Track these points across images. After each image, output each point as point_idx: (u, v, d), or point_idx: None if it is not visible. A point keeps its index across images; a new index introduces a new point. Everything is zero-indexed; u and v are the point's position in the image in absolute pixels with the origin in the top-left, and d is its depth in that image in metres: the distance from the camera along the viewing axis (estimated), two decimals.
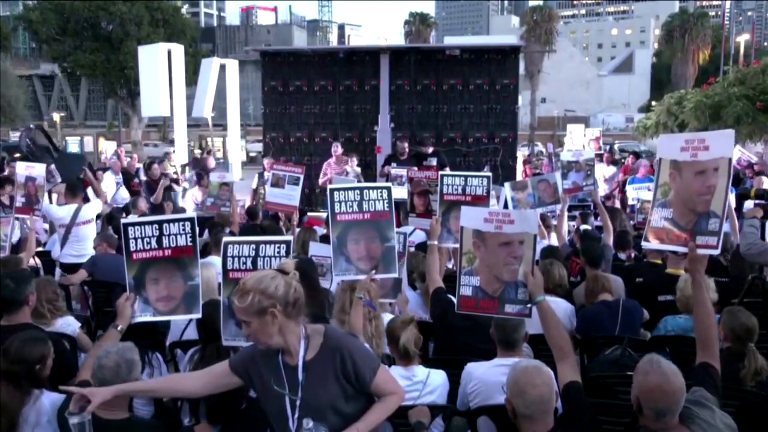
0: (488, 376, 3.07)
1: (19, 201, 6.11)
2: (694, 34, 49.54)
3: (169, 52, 17.12)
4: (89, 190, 7.58)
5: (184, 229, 3.08)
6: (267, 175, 9.55)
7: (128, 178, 10.93)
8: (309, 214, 9.91)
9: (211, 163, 12.16)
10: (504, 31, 68.05)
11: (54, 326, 3.85)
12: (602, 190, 10.74)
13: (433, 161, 8.95)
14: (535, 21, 44.28)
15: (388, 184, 3.81)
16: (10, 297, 3.46)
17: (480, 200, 4.40)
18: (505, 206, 6.95)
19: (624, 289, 4.72)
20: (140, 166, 12.14)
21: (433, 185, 5.56)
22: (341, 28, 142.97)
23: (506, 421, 2.46)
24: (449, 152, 10.60)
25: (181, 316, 3.20)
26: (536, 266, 2.84)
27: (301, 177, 7.03)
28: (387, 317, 3.76)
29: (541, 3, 65.05)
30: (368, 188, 3.44)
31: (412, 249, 5.13)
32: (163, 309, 3.09)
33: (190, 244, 3.09)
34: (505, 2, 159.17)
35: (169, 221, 3.11)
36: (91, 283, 5.60)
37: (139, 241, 3.07)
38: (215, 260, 4.32)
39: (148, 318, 3.09)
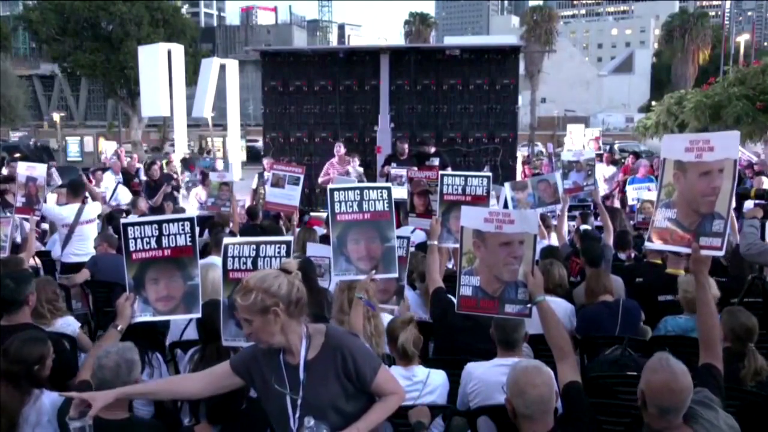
0: (488, 376, 3.08)
1: (20, 201, 6.11)
2: (694, 34, 49.54)
3: (169, 52, 17.15)
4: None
5: (183, 229, 3.09)
6: (267, 175, 9.55)
7: (128, 178, 10.94)
8: (311, 214, 9.91)
9: (219, 165, 12.09)
10: (504, 31, 68.06)
11: (54, 326, 3.85)
12: (602, 190, 10.74)
13: (436, 161, 8.95)
14: (535, 21, 44.27)
15: (389, 184, 3.81)
16: (10, 297, 3.46)
17: (480, 200, 4.40)
18: (505, 206, 6.94)
19: (624, 289, 4.72)
20: (140, 166, 12.15)
21: (433, 185, 5.56)
22: (341, 28, 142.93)
23: (506, 421, 2.47)
24: (449, 152, 10.59)
25: (181, 316, 3.21)
26: (536, 266, 2.84)
27: (301, 177, 7.03)
28: (387, 317, 3.77)
29: (541, 3, 65.05)
30: (368, 188, 3.44)
31: (413, 249, 5.12)
32: (163, 309, 3.09)
33: (189, 244, 3.09)
34: (505, 2, 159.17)
35: (168, 221, 3.11)
36: (91, 283, 5.60)
37: (139, 241, 3.07)
38: (217, 261, 4.32)
39: (147, 318, 3.09)
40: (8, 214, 6.14)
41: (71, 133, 37.18)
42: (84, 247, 6.33)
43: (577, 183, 7.13)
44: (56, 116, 39.35)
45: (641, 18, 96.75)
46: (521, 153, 16.65)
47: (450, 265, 4.89)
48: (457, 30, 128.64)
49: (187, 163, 12.49)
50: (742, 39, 40.92)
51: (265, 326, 2.18)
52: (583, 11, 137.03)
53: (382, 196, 3.40)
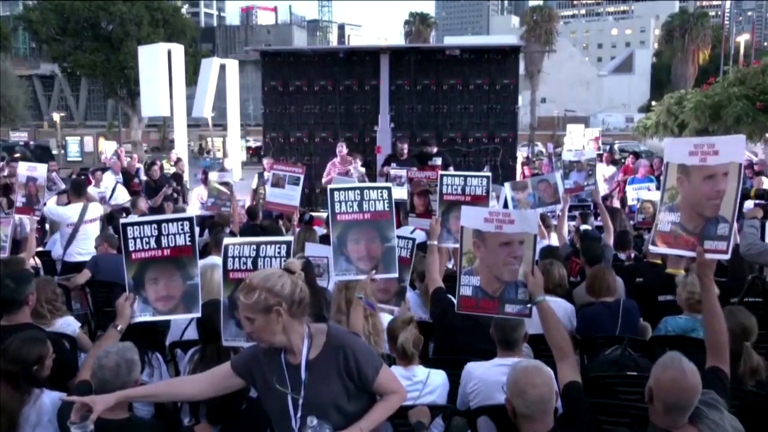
0: (488, 376, 3.07)
1: (20, 201, 6.12)
2: (694, 34, 49.55)
3: (169, 52, 17.16)
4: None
5: (183, 229, 3.08)
6: (267, 175, 9.55)
7: (128, 178, 10.94)
8: (311, 214, 9.92)
9: (228, 164, 12.07)
10: (504, 31, 68.08)
11: (54, 326, 3.85)
12: (602, 190, 10.74)
13: (438, 161, 8.95)
14: (535, 21, 44.30)
15: (389, 184, 3.80)
16: (10, 297, 3.46)
17: (480, 200, 4.39)
18: (505, 206, 6.94)
19: (624, 289, 4.72)
20: (140, 166, 12.15)
21: (433, 185, 5.56)
22: (341, 28, 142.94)
23: (506, 421, 2.47)
24: (449, 152, 10.60)
25: (181, 316, 3.20)
26: (536, 266, 2.84)
27: (302, 177, 7.02)
28: (387, 317, 3.76)
29: (541, 3, 65.06)
30: (368, 188, 3.44)
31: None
32: (163, 309, 3.09)
33: (189, 243, 3.09)
34: (505, 2, 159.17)
35: (168, 221, 3.11)
36: (91, 283, 5.61)
37: (138, 240, 3.07)
38: (217, 261, 4.32)
39: (147, 318, 3.09)
40: (8, 214, 6.15)
41: (71, 133, 37.24)
42: (87, 246, 6.35)
43: (578, 183, 7.14)
44: (56, 116, 39.38)
45: (641, 18, 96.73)
46: (521, 153, 16.65)
47: (450, 265, 4.89)
48: (457, 30, 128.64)
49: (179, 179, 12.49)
50: (742, 39, 40.91)
51: (267, 325, 2.18)
52: (583, 11, 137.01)
53: (382, 196, 3.39)
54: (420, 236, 5.74)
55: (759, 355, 3.09)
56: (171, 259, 3.08)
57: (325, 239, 5.63)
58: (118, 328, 2.96)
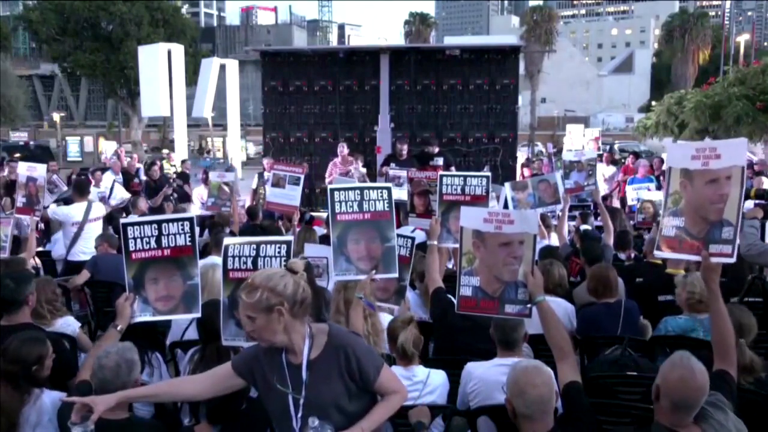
0: (488, 376, 3.07)
1: (20, 201, 6.12)
2: (694, 34, 49.54)
3: (169, 52, 17.16)
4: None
5: (183, 229, 3.08)
6: (267, 175, 9.56)
7: (128, 178, 10.94)
8: (312, 214, 9.92)
9: (237, 162, 12.05)
10: (504, 31, 68.10)
11: (54, 326, 3.85)
12: (602, 189, 10.75)
13: (440, 161, 8.95)
14: (535, 21, 44.29)
15: (389, 184, 3.81)
16: (10, 297, 3.46)
17: (479, 200, 4.39)
18: (505, 206, 6.94)
19: (624, 289, 4.71)
20: (140, 166, 12.16)
21: (434, 185, 5.56)
22: (341, 28, 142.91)
23: (506, 421, 2.47)
24: (449, 152, 10.60)
25: (180, 316, 3.20)
26: (536, 266, 2.84)
27: (302, 177, 7.02)
28: (387, 318, 3.76)
29: (541, 3, 65.05)
30: (368, 188, 3.44)
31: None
32: (163, 308, 3.09)
33: (189, 243, 3.09)
34: (505, 2, 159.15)
35: (168, 221, 3.11)
36: (91, 283, 5.61)
37: (139, 240, 3.07)
38: (217, 261, 4.32)
39: (147, 318, 3.09)
40: (8, 215, 6.14)
41: (71, 133, 37.23)
42: (91, 245, 6.38)
43: (579, 183, 7.14)
44: (56, 116, 39.38)
45: (641, 18, 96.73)
46: (521, 153, 16.63)
47: (450, 265, 4.89)
48: (457, 30, 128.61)
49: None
50: (742, 39, 40.90)
51: (269, 325, 2.18)
52: (583, 11, 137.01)
53: (382, 196, 3.39)
54: (420, 236, 5.76)
55: (757, 355, 3.08)
56: (171, 259, 3.08)
57: (325, 239, 5.63)
58: (118, 328, 2.96)
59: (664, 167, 2.81)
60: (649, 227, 7.78)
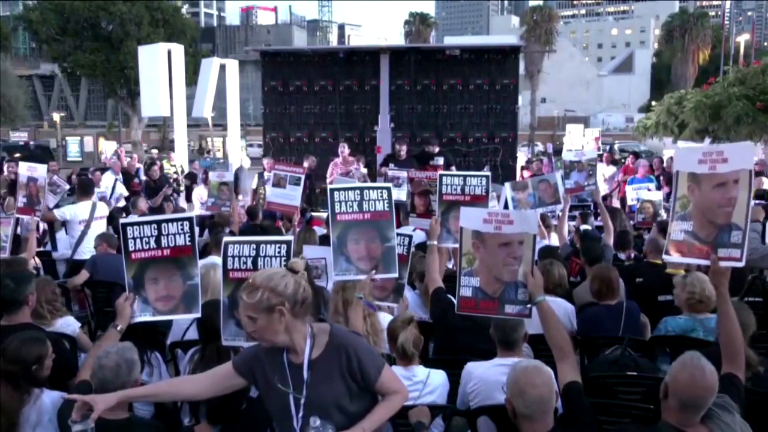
0: (488, 376, 3.07)
1: (21, 201, 6.12)
2: (694, 34, 49.54)
3: (169, 52, 17.14)
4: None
5: (182, 229, 3.08)
6: (267, 175, 9.56)
7: (128, 178, 10.94)
8: (312, 214, 9.92)
9: (246, 162, 12.07)
10: (504, 31, 68.12)
11: (54, 326, 3.85)
12: (602, 190, 10.75)
13: (440, 160, 8.96)
14: (535, 21, 44.30)
15: (389, 184, 3.81)
16: (10, 297, 3.46)
17: (479, 200, 4.39)
18: (506, 206, 6.94)
19: (624, 289, 4.71)
20: (140, 166, 12.16)
21: (434, 185, 5.57)
22: (341, 28, 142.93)
23: (506, 421, 2.47)
24: (449, 152, 10.60)
25: (180, 316, 3.20)
26: (536, 266, 2.84)
27: (302, 177, 7.03)
28: (387, 318, 3.76)
29: (541, 3, 65.05)
30: (368, 188, 3.44)
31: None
32: (163, 309, 3.08)
33: (188, 243, 3.08)
34: (505, 2, 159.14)
35: (167, 221, 3.11)
36: (91, 283, 5.61)
37: (138, 240, 3.06)
38: (217, 261, 4.33)
39: (147, 318, 3.09)
40: (9, 215, 6.14)
41: (71, 133, 37.22)
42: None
43: (579, 183, 7.14)
44: (56, 116, 39.38)
45: (641, 18, 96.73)
46: (521, 153, 16.62)
47: (450, 265, 4.89)
48: (457, 30, 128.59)
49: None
50: (742, 39, 40.90)
51: (270, 325, 2.17)
52: (583, 11, 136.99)
53: (382, 196, 3.39)
54: (420, 236, 5.76)
55: (758, 355, 3.08)
56: (171, 259, 3.08)
57: (325, 239, 5.63)
58: (118, 328, 2.96)
59: (672, 171, 2.81)
60: (648, 227, 7.79)
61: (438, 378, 3.14)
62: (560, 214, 6.71)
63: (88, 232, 6.45)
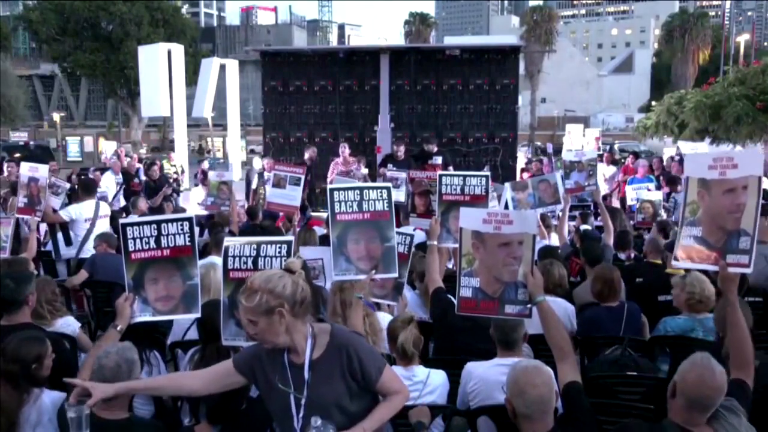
0: (488, 376, 3.07)
1: (21, 201, 6.11)
2: (694, 34, 49.53)
3: (169, 52, 17.14)
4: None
5: (182, 229, 3.08)
6: (267, 175, 9.55)
7: (128, 178, 10.94)
8: (311, 214, 9.91)
9: (257, 163, 12.06)
10: (504, 31, 68.00)
11: (54, 326, 3.85)
12: (602, 190, 10.74)
13: (438, 160, 8.96)
14: (535, 21, 44.31)
15: (388, 184, 3.81)
16: (10, 297, 3.46)
17: (479, 200, 4.39)
18: (506, 207, 6.94)
19: (624, 290, 4.71)
20: (140, 166, 12.15)
21: (434, 185, 5.57)
22: (341, 28, 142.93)
23: (506, 421, 2.46)
24: (449, 152, 10.61)
25: (180, 316, 3.20)
26: (536, 266, 2.84)
27: (302, 177, 7.02)
28: (386, 317, 3.76)
29: (541, 3, 65.08)
30: (368, 188, 3.44)
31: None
32: (162, 309, 3.08)
33: (188, 243, 3.08)
34: (505, 2, 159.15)
35: (167, 221, 3.10)
36: (91, 283, 5.61)
37: (138, 241, 3.06)
38: (217, 261, 4.33)
39: (147, 318, 3.08)
40: (9, 215, 6.14)
41: (71, 133, 37.20)
42: None
43: (579, 183, 7.13)
44: (56, 116, 39.39)
45: (641, 18, 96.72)
46: (521, 154, 16.61)
47: (450, 265, 4.89)
48: (457, 30, 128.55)
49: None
50: (742, 39, 40.91)
51: (271, 327, 2.17)
52: (583, 11, 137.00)
53: (381, 196, 3.39)
54: (420, 236, 5.76)
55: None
56: (171, 259, 3.07)
57: (325, 239, 5.63)
58: (118, 328, 2.96)
59: (676, 172, 2.84)
60: (648, 227, 7.79)
61: (438, 378, 3.14)
62: (560, 214, 6.71)
63: (93, 230, 6.47)
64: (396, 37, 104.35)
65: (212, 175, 7.94)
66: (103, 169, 12.04)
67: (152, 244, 3.06)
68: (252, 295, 2.15)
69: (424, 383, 3.08)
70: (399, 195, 7.06)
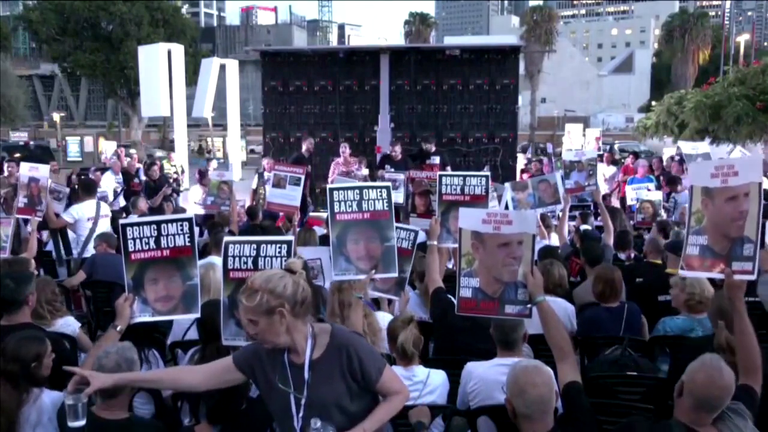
0: (488, 376, 3.07)
1: (21, 202, 6.11)
2: (694, 34, 49.52)
3: (169, 52, 17.16)
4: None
5: (182, 229, 3.08)
6: (267, 175, 9.55)
7: (128, 178, 10.94)
8: (311, 214, 9.92)
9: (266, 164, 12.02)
10: (504, 31, 68.01)
11: (54, 326, 3.85)
12: (602, 190, 10.74)
13: (436, 159, 8.97)
14: (535, 21, 44.30)
15: (388, 183, 3.81)
16: (10, 297, 3.46)
17: (479, 200, 4.39)
18: (506, 207, 6.94)
19: (624, 290, 4.70)
20: (140, 166, 12.15)
21: (434, 185, 5.58)
22: (341, 28, 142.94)
23: (506, 421, 2.46)
24: (449, 152, 10.61)
25: (180, 316, 3.20)
26: (535, 266, 2.84)
27: (302, 177, 7.03)
28: (387, 317, 3.76)
29: (541, 3, 65.07)
30: (367, 188, 3.44)
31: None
32: (162, 309, 3.08)
33: (188, 244, 3.08)
34: (505, 2, 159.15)
35: (167, 221, 3.10)
36: (91, 283, 5.60)
37: (138, 241, 3.06)
38: (217, 261, 4.33)
39: (147, 318, 3.09)
40: (8, 215, 6.14)
41: (71, 133, 37.19)
42: None
43: (579, 183, 7.13)
44: (56, 116, 39.38)
45: (641, 18, 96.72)
46: (520, 155, 16.60)
47: (450, 265, 4.89)
48: (457, 30, 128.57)
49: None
50: (742, 39, 40.92)
51: (271, 327, 2.17)
52: (583, 11, 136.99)
53: (381, 196, 3.39)
54: (420, 236, 5.76)
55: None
56: (170, 259, 3.07)
57: (325, 239, 5.63)
58: (118, 328, 2.96)
59: (686, 184, 2.89)
60: (648, 227, 7.79)
61: (438, 378, 3.14)
62: (560, 214, 6.71)
63: (96, 229, 6.48)
64: (396, 37, 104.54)
65: (212, 175, 7.95)
66: (103, 169, 12.02)
67: (152, 244, 3.06)
68: (252, 295, 2.15)
69: (424, 383, 3.08)
70: (397, 196, 7.06)
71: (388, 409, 2.33)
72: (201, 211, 7.86)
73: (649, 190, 9.90)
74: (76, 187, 7.83)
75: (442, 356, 3.74)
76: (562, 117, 49.48)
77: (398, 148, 9.22)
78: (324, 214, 8.53)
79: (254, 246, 2.95)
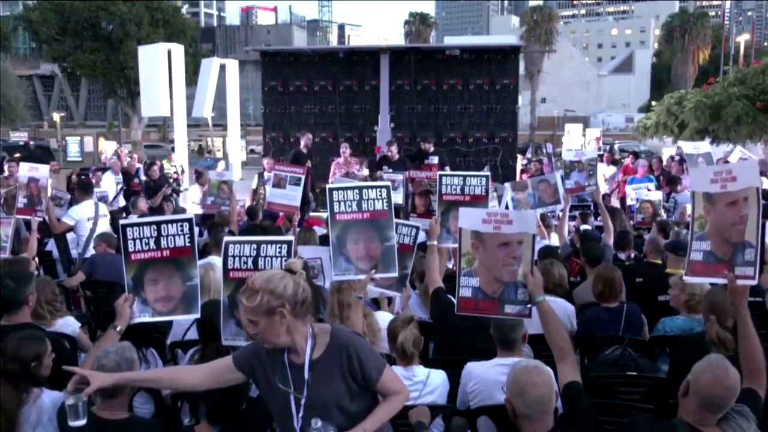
0: (488, 376, 3.07)
1: (21, 202, 6.11)
2: (694, 34, 49.52)
3: (169, 52, 17.16)
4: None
5: (182, 230, 3.08)
6: (267, 175, 9.55)
7: (128, 178, 10.94)
8: (310, 214, 9.91)
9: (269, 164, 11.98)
10: (504, 31, 67.97)
11: (54, 326, 3.85)
12: (602, 190, 10.74)
13: (435, 159, 8.96)
14: (535, 21, 44.30)
15: (387, 183, 3.81)
16: (10, 297, 3.46)
17: (479, 200, 4.39)
18: (507, 207, 6.94)
19: (624, 290, 4.70)
20: (140, 166, 12.15)
21: (434, 185, 5.58)
22: (341, 28, 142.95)
23: (506, 421, 2.46)
24: (449, 152, 10.61)
25: (180, 316, 3.20)
26: (535, 266, 2.84)
27: (303, 177, 7.03)
28: (387, 317, 3.76)
29: (541, 3, 65.08)
30: (367, 188, 3.44)
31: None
32: (162, 309, 3.08)
33: (188, 244, 3.08)
34: (505, 2, 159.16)
35: (167, 222, 3.10)
36: (90, 283, 5.60)
37: (138, 241, 3.06)
38: (217, 261, 4.32)
39: (146, 318, 3.09)
40: (8, 215, 6.13)
41: (71, 133, 37.17)
42: None
43: (579, 183, 7.13)
44: (56, 116, 39.39)
45: (641, 18, 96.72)
46: (519, 157, 16.61)
47: (450, 265, 4.89)
48: (457, 30, 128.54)
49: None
50: (742, 39, 40.91)
51: (271, 327, 2.17)
52: (583, 11, 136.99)
53: (381, 195, 3.39)
54: (420, 236, 5.76)
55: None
56: (170, 260, 3.07)
57: (325, 239, 5.63)
58: (117, 329, 2.96)
59: (686, 184, 2.92)
60: (648, 227, 7.79)
61: (438, 378, 3.14)
62: (560, 214, 6.70)
63: (96, 229, 6.48)
64: (396, 37, 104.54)
65: (212, 175, 7.95)
66: (103, 169, 12.03)
67: (152, 244, 3.06)
68: (253, 295, 2.15)
69: (424, 383, 3.08)
70: (396, 197, 7.06)
71: (388, 409, 2.33)
72: (199, 211, 7.86)
73: (649, 190, 9.90)
74: (76, 187, 7.83)
75: (442, 356, 3.73)
76: (562, 117, 49.46)
77: (394, 148, 9.22)
78: (324, 214, 8.54)
79: (254, 246, 2.95)
